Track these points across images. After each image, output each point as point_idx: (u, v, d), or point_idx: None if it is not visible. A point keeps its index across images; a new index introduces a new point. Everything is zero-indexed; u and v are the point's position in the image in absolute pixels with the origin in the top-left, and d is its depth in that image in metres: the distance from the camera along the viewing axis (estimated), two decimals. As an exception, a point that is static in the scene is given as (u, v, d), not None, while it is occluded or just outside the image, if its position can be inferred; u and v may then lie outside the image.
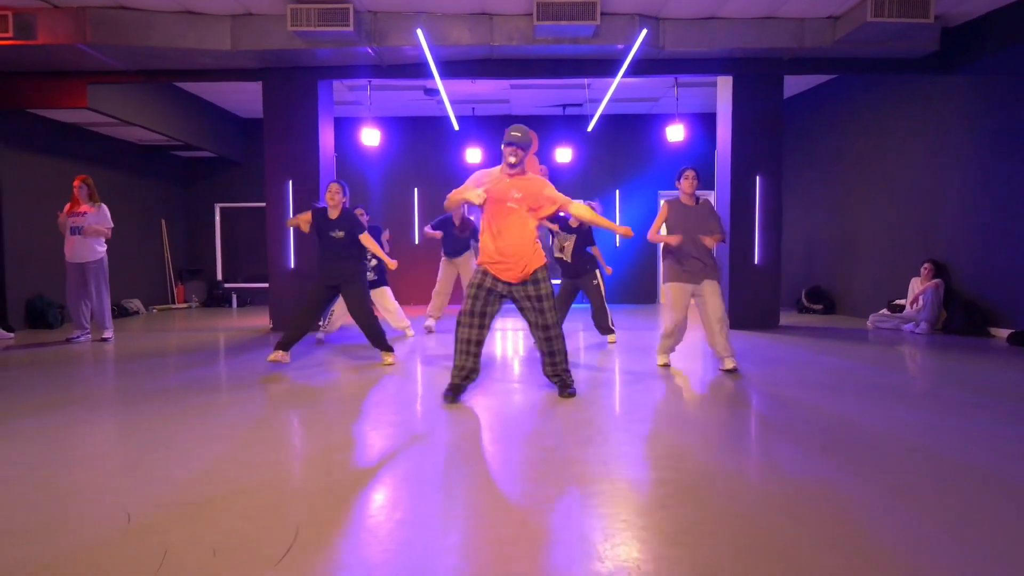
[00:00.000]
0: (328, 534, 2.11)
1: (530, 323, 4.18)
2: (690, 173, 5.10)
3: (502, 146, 4.08)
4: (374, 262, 6.88)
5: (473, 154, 10.97)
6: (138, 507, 2.35)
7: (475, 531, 2.15)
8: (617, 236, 11.66)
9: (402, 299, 10.99)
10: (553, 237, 6.54)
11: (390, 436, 3.32)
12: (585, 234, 6.42)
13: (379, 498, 2.47)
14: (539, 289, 4.10)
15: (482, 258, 4.12)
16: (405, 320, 7.31)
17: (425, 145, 11.84)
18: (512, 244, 4.02)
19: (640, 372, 5.10)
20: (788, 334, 7.43)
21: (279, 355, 5.24)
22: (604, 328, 6.62)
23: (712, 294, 5.00)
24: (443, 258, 7.93)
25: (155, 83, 8.77)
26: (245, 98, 10.31)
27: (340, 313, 7.10)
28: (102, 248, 7.04)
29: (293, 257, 7.95)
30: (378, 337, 5.43)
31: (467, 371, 4.12)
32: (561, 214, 6.07)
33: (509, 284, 4.07)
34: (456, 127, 10.48)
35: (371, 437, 3.31)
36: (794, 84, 9.93)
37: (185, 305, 11.76)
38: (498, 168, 4.17)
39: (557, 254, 6.39)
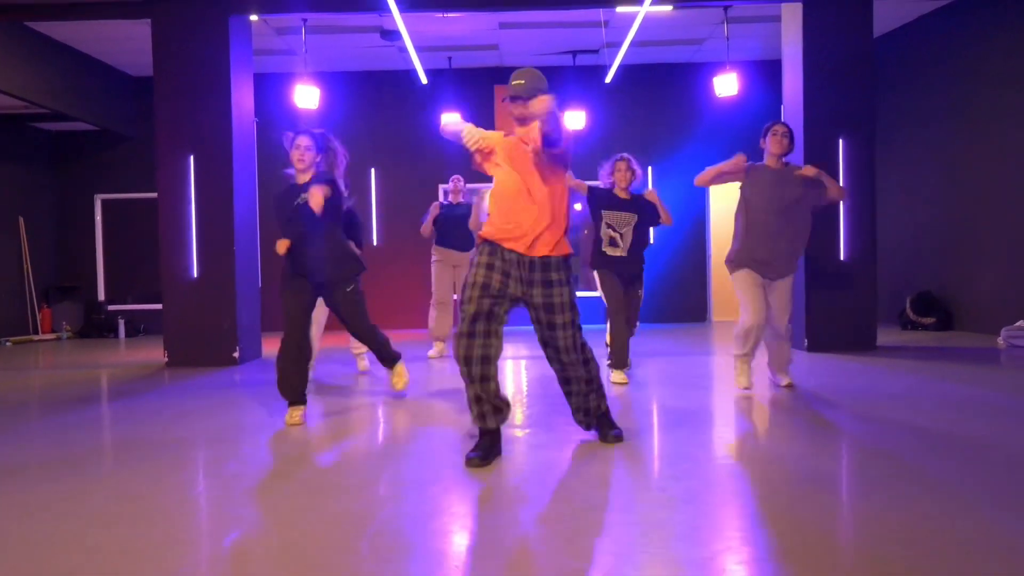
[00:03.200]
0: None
1: (541, 341, 3.86)
2: (779, 128, 5.18)
3: (505, 100, 3.83)
4: None
5: (450, 119, 10.80)
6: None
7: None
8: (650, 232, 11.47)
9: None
10: (592, 224, 6.11)
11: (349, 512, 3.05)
12: (650, 212, 6.06)
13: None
14: (552, 290, 3.72)
15: (488, 230, 3.77)
16: (362, 346, 6.83)
17: (385, 109, 11.68)
18: (544, 203, 3.72)
19: (688, 410, 4.88)
20: (890, 357, 7.22)
21: (296, 414, 4.70)
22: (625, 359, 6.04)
23: (783, 295, 5.21)
24: (436, 251, 7.88)
25: (2, 23, 8.56)
26: (136, 47, 10.07)
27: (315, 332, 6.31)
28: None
29: (196, 263, 7.72)
30: (383, 345, 5.23)
31: (493, 403, 3.71)
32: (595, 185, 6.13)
33: (523, 265, 3.68)
34: (424, 80, 10.29)
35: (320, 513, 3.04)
36: (890, 13, 9.75)
37: (53, 336, 11.52)
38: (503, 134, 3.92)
39: (607, 249, 5.96)
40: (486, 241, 3.76)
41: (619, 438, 3.96)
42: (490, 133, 3.89)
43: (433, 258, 7.92)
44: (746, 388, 5.34)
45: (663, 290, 11.52)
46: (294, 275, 4.82)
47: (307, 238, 4.71)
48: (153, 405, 5.56)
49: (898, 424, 4.35)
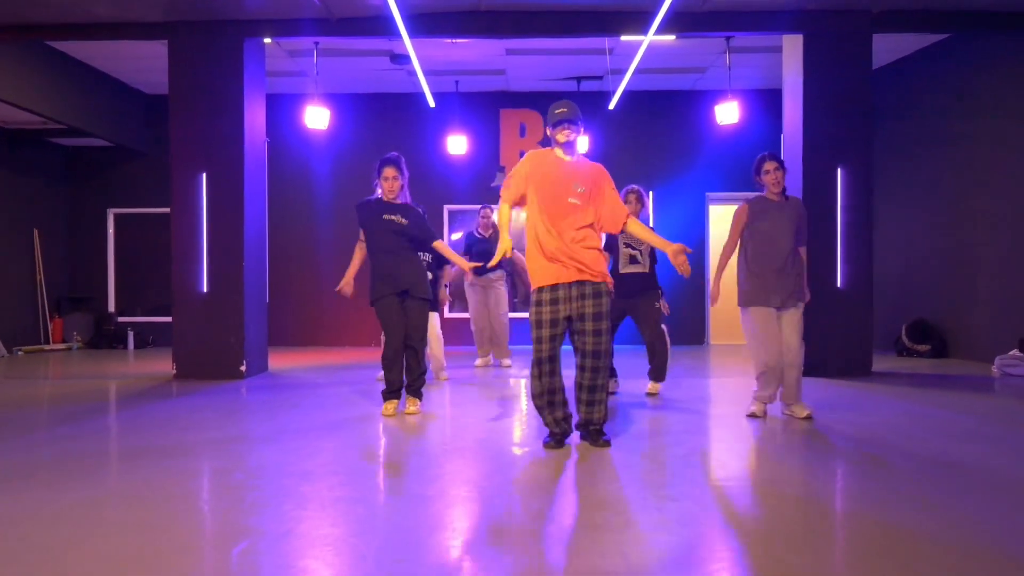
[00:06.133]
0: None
1: (577, 347, 4.36)
2: (771, 164, 5.22)
3: (548, 129, 4.44)
4: (430, 276, 7.17)
5: (456, 142, 10.90)
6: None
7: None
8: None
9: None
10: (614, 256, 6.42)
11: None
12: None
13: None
14: (600, 306, 4.29)
15: (538, 279, 4.31)
16: (443, 361, 7.72)
17: (393, 130, 11.75)
18: (575, 243, 4.27)
19: (685, 428, 4.92)
20: (885, 383, 7.23)
21: (391, 406, 5.51)
22: (662, 371, 6.47)
23: (793, 327, 5.16)
24: (467, 286, 8.68)
25: (24, 42, 8.66)
26: (152, 66, 10.19)
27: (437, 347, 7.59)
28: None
29: (206, 278, 7.76)
30: (420, 375, 5.61)
31: (563, 417, 4.43)
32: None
33: (570, 292, 4.25)
34: (432, 104, 10.38)
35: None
36: (887, 48, 9.84)
37: (63, 346, 11.56)
38: (547, 151, 4.47)
39: (627, 268, 6.32)
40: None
41: (608, 443, 4.39)
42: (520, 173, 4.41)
43: (467, 281, 8.53)
44: (754, 416, 5.33)
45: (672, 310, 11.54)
46: (384, 290, 5.39)
47: (399, 257, 5.41)
48: (161, 415, 5.60)
49: (889, 450, 4.38)
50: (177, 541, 2.84)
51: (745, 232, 5.26)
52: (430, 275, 7.12)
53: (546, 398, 4.37)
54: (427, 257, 7.42)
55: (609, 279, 4.35)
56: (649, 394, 6.46)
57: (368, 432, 5.02)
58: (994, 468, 3.92)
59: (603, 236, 4.82)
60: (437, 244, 5.69)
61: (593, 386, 4.31)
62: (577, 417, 4.47)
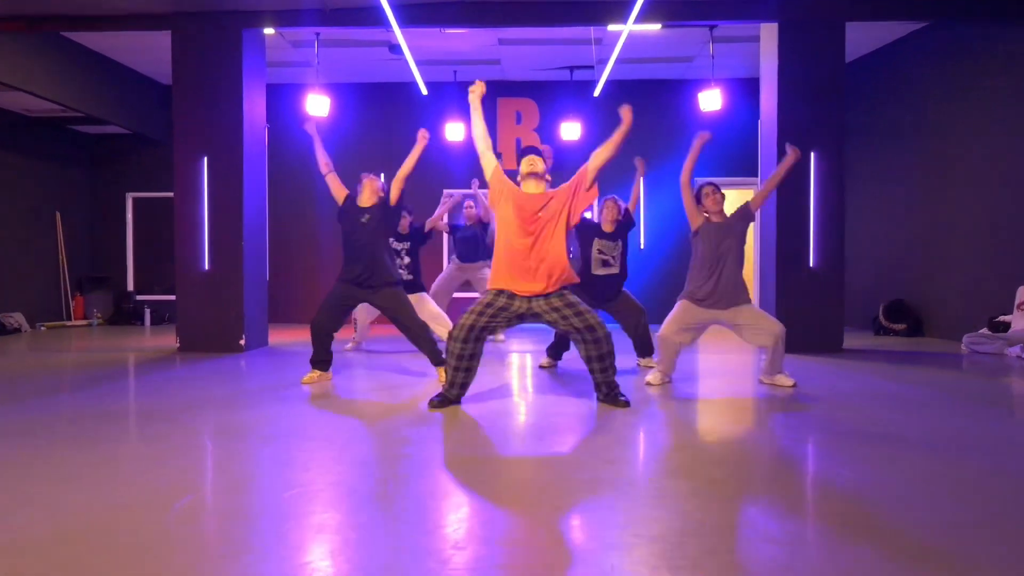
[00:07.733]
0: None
1: (569, 331, 4.58)
2: (708, 189, 5.43)
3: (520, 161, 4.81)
4: (407, 259, 7.49)
5: (454, 130, 10.82)
6: None
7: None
8: (641, 239, 11.48)
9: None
10: (577, 251, 6.61)
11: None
12: (627, 236, 6.71)
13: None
14: (565, 298, 4.53)
15: (496, 280, 4.50)
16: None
17: (393, 118, 11.68)
18: (542, 253, 4.47)
19: (662, 403, 4.87)
20: (854, 359, 7.16)
21: (314, 376, 5.62)
22: (649, 347, 6.63)
23: (747, 315, 5.31)
24: (451, 263, 8.63)
25: (40, 34, 8.67)
26: (165, 57, 10.12)
27: (364, 317, 7.71)
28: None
29: (208, 257, 7.77)
30: (434, 349, 5.63)
31: (461, 385, 4.64)
32: (587, 215, 6.73)
33: (529, 299, 4.45)
34: (424, 92, 10.27)
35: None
36: (863, 39, 9.68)
37: (84, 322, 11.64)
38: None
39: (599, 270, 6.47)
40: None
41: (627, 403, 4.62)
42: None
43: (450, 265, 8.61)
44: (649, 384, 5.49)
45: (655, 294, 11.46)
46: (347, 280, 5.61)
47: (363, 249, 5.63)
48: (156, 385, 5.65)
49: (842, 420, 4.34)
50: (130, 496, 2.83)
51: (693, 245, 5.54)
52: (408, 259, 7.45)
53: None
54: (404, 245, 7.49)
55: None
56: (644, 367, 6.54)
57: (338, 397, 5.02)
58: (927, 435, 3.87)
59: (574, 241, 4.90)
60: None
61: (600, 355, 4.56)
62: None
